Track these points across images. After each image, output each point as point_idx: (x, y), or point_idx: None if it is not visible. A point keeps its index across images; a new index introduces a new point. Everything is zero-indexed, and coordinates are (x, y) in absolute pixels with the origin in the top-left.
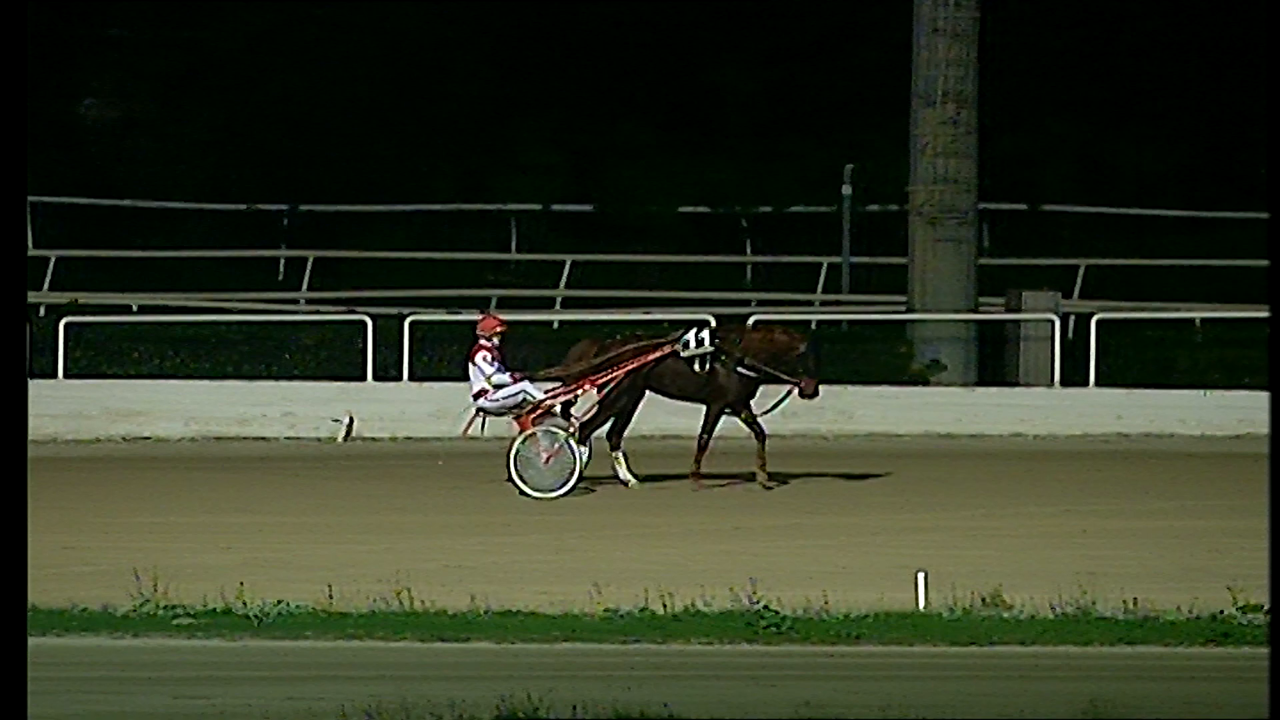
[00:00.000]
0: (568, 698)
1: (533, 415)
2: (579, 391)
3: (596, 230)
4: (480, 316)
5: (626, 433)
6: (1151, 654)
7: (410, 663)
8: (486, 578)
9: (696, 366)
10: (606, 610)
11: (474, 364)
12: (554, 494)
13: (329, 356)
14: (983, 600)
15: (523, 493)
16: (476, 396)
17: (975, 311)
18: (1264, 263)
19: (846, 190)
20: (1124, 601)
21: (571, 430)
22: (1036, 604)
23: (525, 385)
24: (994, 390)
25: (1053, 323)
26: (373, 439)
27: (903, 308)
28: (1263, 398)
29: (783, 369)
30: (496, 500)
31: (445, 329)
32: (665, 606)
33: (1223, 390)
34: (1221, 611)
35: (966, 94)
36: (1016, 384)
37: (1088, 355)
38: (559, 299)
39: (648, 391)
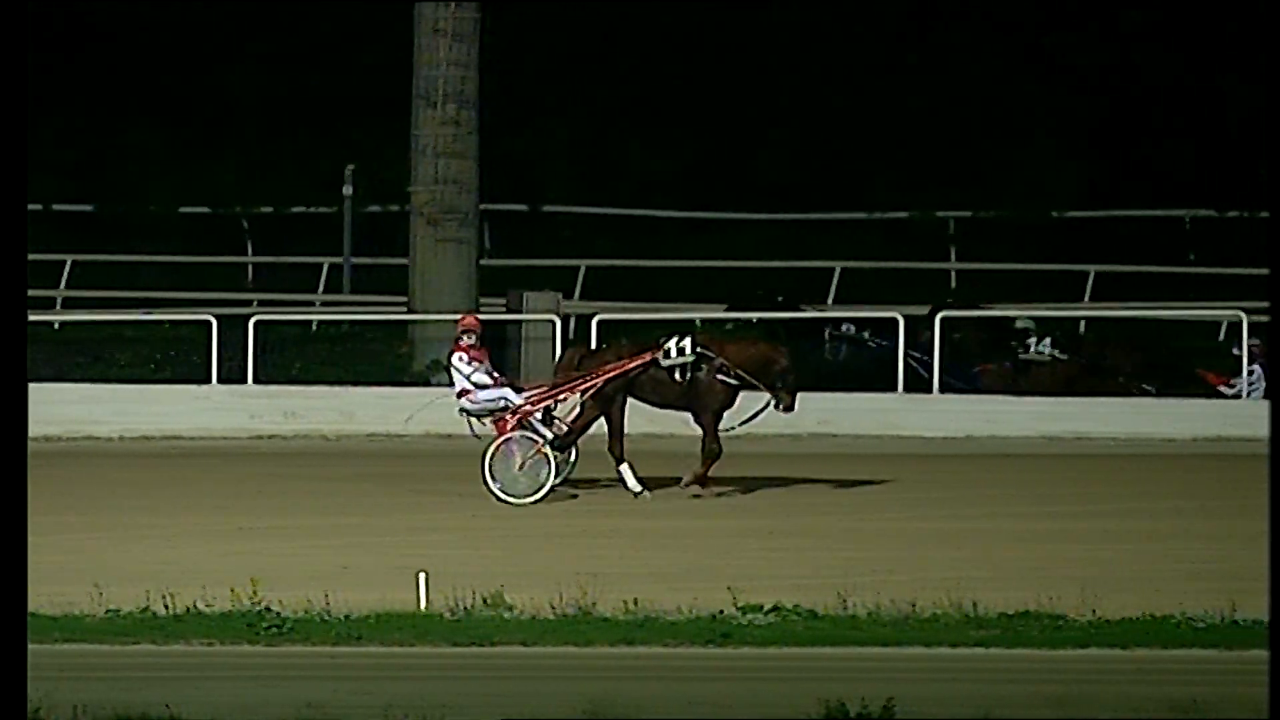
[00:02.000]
0: (69, 699)
1: (512, 420)
2: (560, 397)
3: (98, 230)
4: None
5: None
6: (652, 654)
7: None
8: None
9: (677, 375)
10: (108, 611)
11: (452, 364)
12: (528, 500)
13: None
14: (484, 600)
15: (497, 498)
16: (459, 396)
17: (476, 312)
18: (770, 263)
19: (348, 191)
20: (625, 601)
21: (551, 437)
22: (538, 604)
23: (505, 391)
24: None
25: (554, 323)
26: None
27: (404, 308)
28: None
29: (763, 381)
30: None
31: None
32: (167, 608)
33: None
34: (721, 611)
35: (468, 95)
36: None
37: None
38: (59, 299)
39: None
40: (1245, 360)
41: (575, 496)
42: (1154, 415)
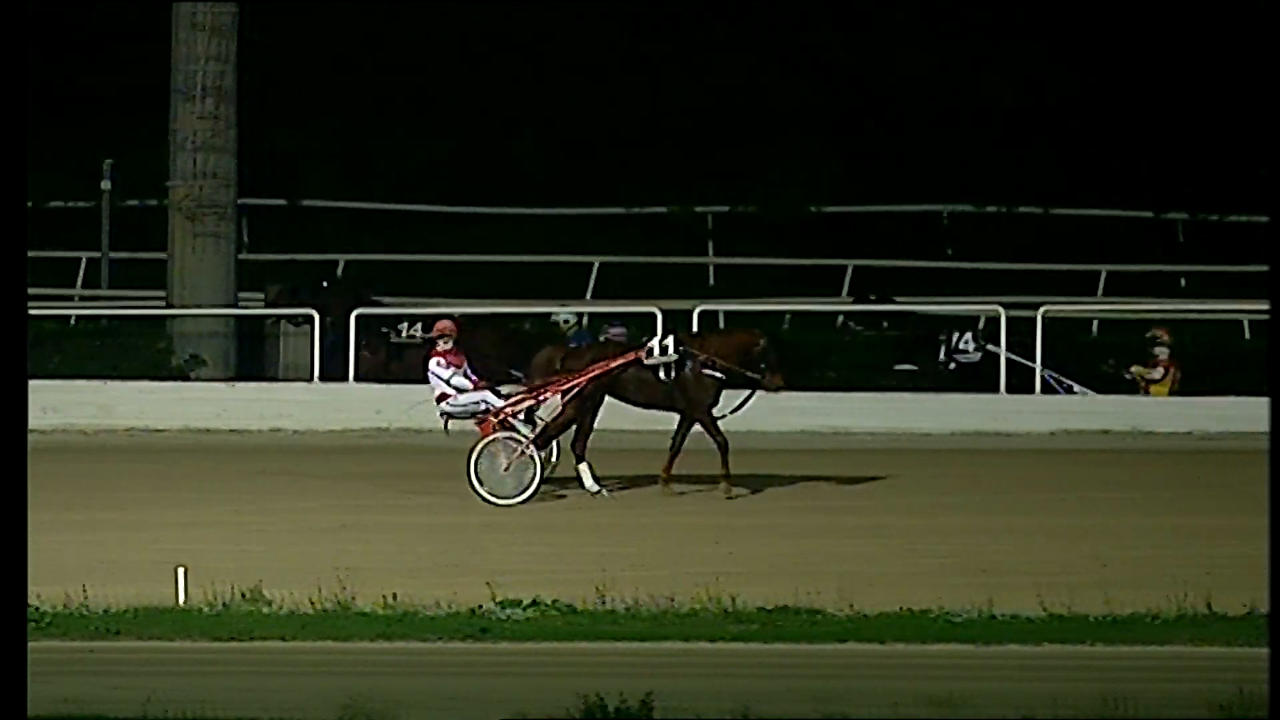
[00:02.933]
0: None
1: (494, 421)
2: (542, 398)
3: None
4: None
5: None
6: (410, 649)
7: None
8: None
9: (662, 374)
10: None
11: (430, 370)
12: (514, 500)
13: None
14: (243, 595)
15: (483, 499)
16: (439, 400)
17: (235, 307)
18: (529, 258)
19: (106, 185)
20: (383, 596)
21: (533, 437)
22: (297, 599)
23: (485, 394)
24: (254, 385)
25: (312, 319)
26: None
27: (163, 303)
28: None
29: (748, 367)
30: None
31: None
32: None
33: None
34: (480, 606)
35: (226, 89)
36: (277, 379)
37: (347, 351)
38: None
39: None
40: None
41: (564, 496)
42: (909, 410)
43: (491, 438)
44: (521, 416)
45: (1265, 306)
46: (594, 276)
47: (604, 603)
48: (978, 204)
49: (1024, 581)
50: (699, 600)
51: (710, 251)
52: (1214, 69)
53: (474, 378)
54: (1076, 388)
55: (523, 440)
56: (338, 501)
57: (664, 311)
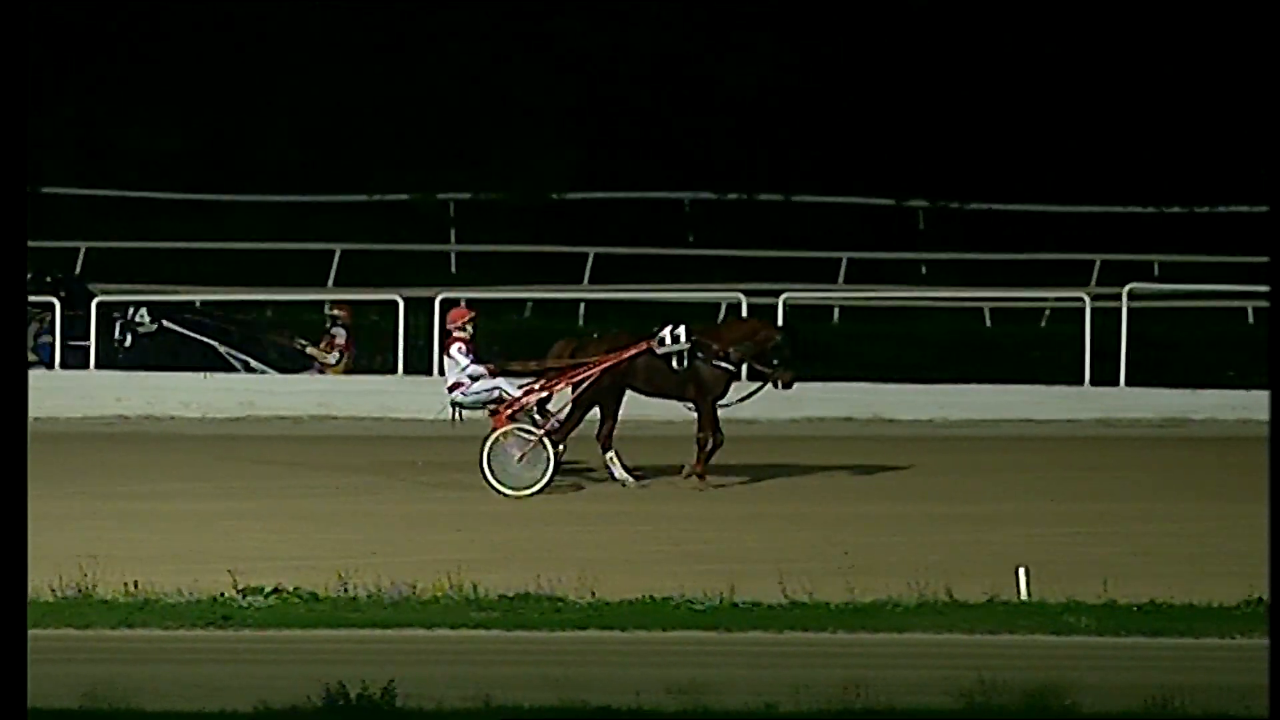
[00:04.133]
0: None
1: (507, 412)
2: (555, 389)
3: None
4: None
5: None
6: (151, 636)
7: None
8: None
9: (674, 364)
10: None
11: (449, 356)
12: (527, 492)
13: None
14: None
15: (497, 490)
16: (451, 389)
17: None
18: (271, 245)
19: None
20: (125, 584)
21: (547, 428)
22: (37, 587)
23: (500, 381)
24: None
25: (54, 305)
26: None
27: None
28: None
29: (760, 360)
30: None
31: None
32: None
33: (224, 374)
34: (222, 594)
35: None
36: None
37: (91, 338)
38: None
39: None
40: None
41: (581, 488)
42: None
43: (504, 429)
44: (533, 407)
45: (1004, 294)
46: (336, 264)
47: (346, 590)
48: (719, 191)
49: (766, 569)
50: (440, 588)
51: (452, 239)
52: (949, 57)
53: (487, 366)
54: None
55: (535, 432)
56: (79, 489)
57: (405, 299)
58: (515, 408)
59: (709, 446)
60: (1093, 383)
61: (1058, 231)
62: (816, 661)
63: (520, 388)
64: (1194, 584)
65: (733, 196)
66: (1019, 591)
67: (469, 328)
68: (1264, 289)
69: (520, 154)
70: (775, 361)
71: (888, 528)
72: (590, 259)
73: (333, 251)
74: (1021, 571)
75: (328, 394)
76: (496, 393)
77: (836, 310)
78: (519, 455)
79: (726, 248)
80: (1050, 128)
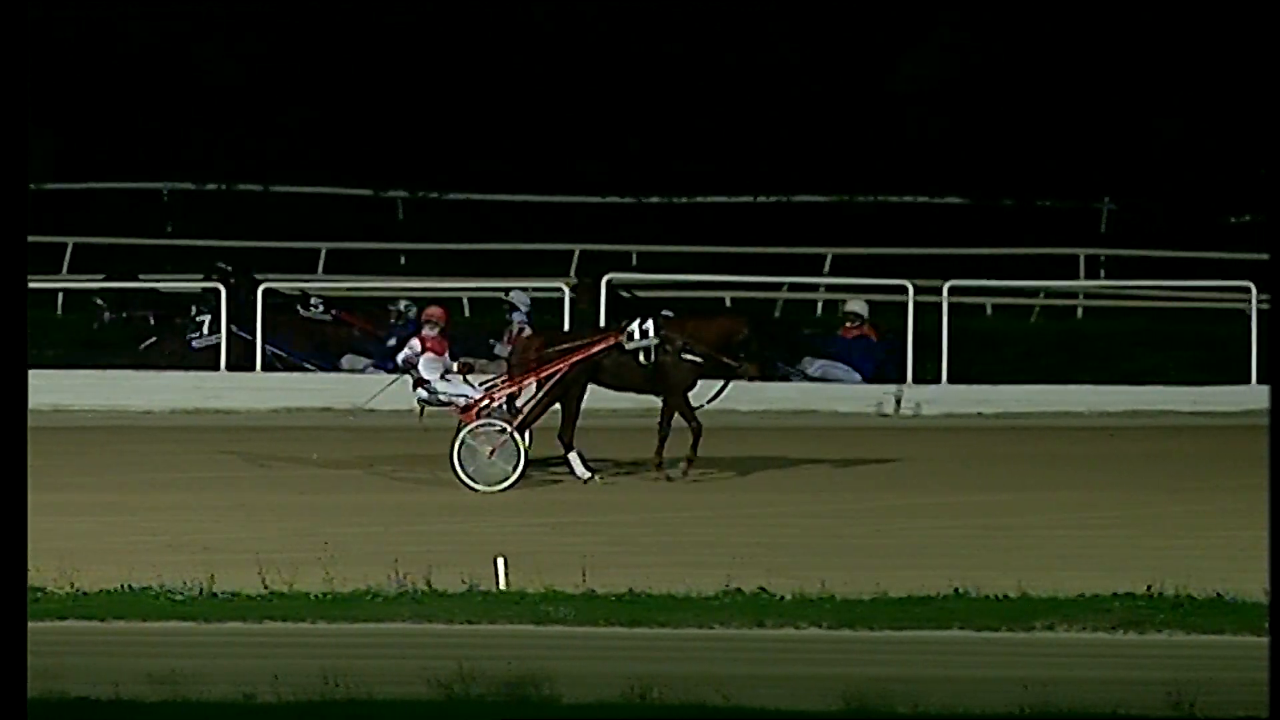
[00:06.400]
0: None
1: (475, 409)
2: (522, 384)
3: None
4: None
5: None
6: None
7: None
8: None
9: (642, 358)
10: None
11: (405, 350)
12: (500, 487)
13: None
14: None
15: (469, 487)
16: (415, 386)
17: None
18: None
19: None
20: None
21: (516, 423)
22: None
23: (464, 388)
24: None
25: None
26: None
27: None
28: None
29: (726, 354)
30: None
31: None
32: None
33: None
34: None
35: None
36: None
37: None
38: None
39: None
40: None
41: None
42: (124, 387)
43: (473, 425)
44: (502, 404)
45: (482, 284)
46: None
47: None
48: (198, 181)
49: (245, 559)
50: None
51: None
52: (419, 46)
53: (457, 363)
54: None
55: (505, 426)
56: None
57: None
58: (484, 404)
59: (698, 436)
60: None
61: (537, 222)
62: (296, 652)
63: (483, 385)
64: (669, 574)
65: (211, 187)
66: (498, 581)
67: (435, 328)
68: (735, 278)
69: None
70: (742, 356)
71: (368, 518)
72: (69, 249)
73: None
74: (500, 561)
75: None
76: (462, 399)
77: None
78: (490, 450)
79: (204, 238)
80: (512, 118)
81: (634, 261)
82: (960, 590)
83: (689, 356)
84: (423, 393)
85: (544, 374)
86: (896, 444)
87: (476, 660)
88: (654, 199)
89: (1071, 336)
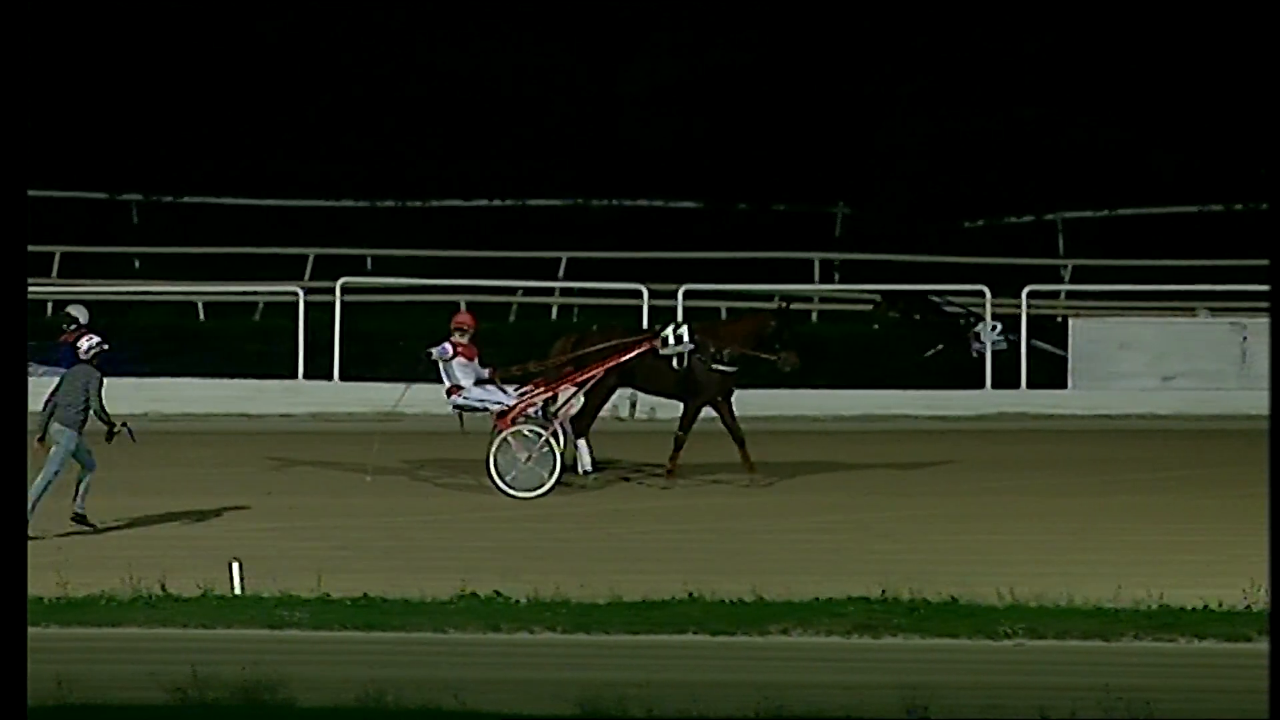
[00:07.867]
0: None
1: (511, 415)
2: (558, 390)
3: None
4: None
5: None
6: None
7: None
8: None
9: (675, 364)
10: None
11: (437, 360)
12: (536, 493)
13: None
14: None
15: (504, 493)
16: (449, 393)
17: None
18: None
19: None
20: None
21: (553, 429)
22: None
23: (497, 394)
24: None
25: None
26: None
27: None
28: None
29: (763, 349)
30: None
31: None
32: None
33: None
34: None
35: None
36: None
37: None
38: None
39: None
40: None
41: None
42: None
43: (510, 431)
44: (538, 409)
45: (218, 288)
46: None
47: None
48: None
49: None
50: None
51: None
52: (160, 50)
53: (487, 370)
54: None
55: (541, 433)
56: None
57: None
58: (519, 410)
59: (681, 446)
60: (307, 376)
61: (272, 225)
62: (30, 657)
63: (518, 390)
64: (403, 579)
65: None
66: (232, 585)
67: (464, 334)
68: (527, 282)
69: None
70: (777, 346)
71: (100, 522)
72: None
73: None
74: (235, 565)
75: None
76: (497, 406)
77: (50, 305)
78: (527, 456)
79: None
80: (243, 121)
81: (369, 265)
82: (694, 594)
83: (719, 367)
84: (459, 399)
85: (581, 379)
86: (625, 448)
87: (211, 665)
88: (388, 202)
89: (807, 340)
